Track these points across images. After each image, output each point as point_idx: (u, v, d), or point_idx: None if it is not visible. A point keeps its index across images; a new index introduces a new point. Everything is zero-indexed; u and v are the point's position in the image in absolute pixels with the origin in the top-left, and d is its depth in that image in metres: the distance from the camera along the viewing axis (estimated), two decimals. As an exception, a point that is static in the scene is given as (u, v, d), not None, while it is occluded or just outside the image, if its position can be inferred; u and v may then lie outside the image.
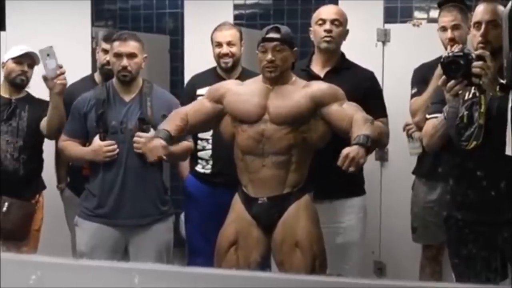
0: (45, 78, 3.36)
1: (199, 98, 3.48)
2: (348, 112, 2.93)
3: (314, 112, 2.97)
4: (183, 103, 3.48)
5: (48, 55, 3.34)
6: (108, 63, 3.54)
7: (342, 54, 3.45)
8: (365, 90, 3.34)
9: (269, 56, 2.95)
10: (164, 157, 2.99)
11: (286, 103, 2.97)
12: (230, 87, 3.12)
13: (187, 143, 3.39)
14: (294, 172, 2.99)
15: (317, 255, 2.99)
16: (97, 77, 3.87)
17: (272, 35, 2.99)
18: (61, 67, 3.34)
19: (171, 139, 3.03)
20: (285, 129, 2.96)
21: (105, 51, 3.68)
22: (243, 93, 3.06)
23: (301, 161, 3.01)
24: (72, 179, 4.00)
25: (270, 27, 3.03)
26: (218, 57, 3.67)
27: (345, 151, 2.71)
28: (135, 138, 3.27)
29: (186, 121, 3.09)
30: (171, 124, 3.07)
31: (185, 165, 3.83)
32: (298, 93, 2.99)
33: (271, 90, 3.02)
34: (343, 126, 2.91)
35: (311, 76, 3.28)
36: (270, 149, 2.96)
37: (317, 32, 3.36)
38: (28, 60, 3.69)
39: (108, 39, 3.63)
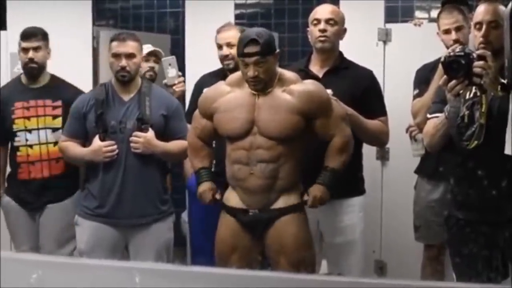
0: (166, 85, 3.71)
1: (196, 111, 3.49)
2: (330, 130, 2.97)
3: (304, 125, 2.95)
4: (193, 103, 3.47)
5: (170, 64, 3.72)
6: None
7: (341, 54, 3.43)
8: (364, 89, 3.34)
9: (251, 73, 2.88)
10: (218, 197, 3.05)
11: (274, 117, 2.92)
12: (218, 105, 3.02)
13: (183, 142, 3.33)
14: (283, 179, 2.95)
15: (303, 260, 2.96)
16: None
17: (251, 49, 2.87)
18: (180, 75, 3.75)
19: (211, 173, 3.11)
20: (274, 140, 2.93)
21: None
22: (230, 107, 2.98)
23: (290, 167, 2.96)
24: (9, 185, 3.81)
25: (248, 39, 2.88)
26: (221, 59, 3.68)
27: (313, 193, 2.96)
28: (133, 138, 3.27)
29: (205, 144, 3.12)
30: (199, 159, 3.11)
31: (189, 165, 3.81)
32: (284, 103, 2.92)
33: (257, 98, 2.96)
34: (326, 139, 3.00)
35: (310, 77, 3.26)
36: (259, 158, 2.92)
37: (313, 32, 3.35)
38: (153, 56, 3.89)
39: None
